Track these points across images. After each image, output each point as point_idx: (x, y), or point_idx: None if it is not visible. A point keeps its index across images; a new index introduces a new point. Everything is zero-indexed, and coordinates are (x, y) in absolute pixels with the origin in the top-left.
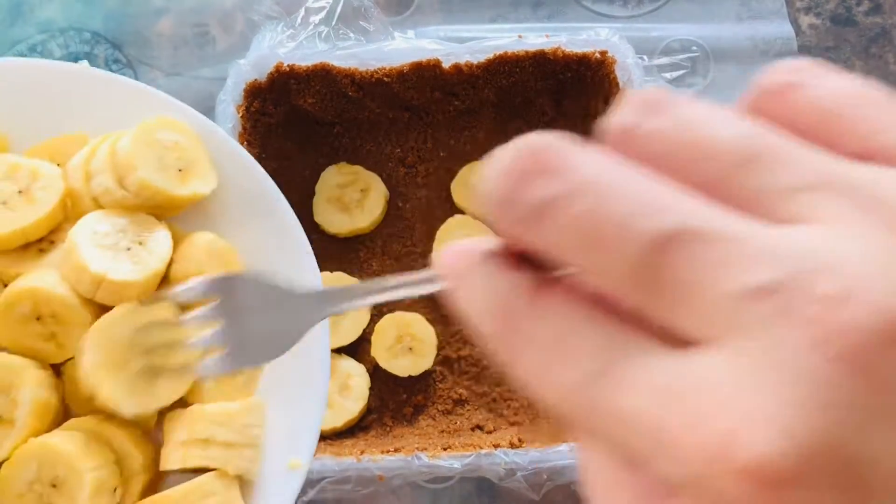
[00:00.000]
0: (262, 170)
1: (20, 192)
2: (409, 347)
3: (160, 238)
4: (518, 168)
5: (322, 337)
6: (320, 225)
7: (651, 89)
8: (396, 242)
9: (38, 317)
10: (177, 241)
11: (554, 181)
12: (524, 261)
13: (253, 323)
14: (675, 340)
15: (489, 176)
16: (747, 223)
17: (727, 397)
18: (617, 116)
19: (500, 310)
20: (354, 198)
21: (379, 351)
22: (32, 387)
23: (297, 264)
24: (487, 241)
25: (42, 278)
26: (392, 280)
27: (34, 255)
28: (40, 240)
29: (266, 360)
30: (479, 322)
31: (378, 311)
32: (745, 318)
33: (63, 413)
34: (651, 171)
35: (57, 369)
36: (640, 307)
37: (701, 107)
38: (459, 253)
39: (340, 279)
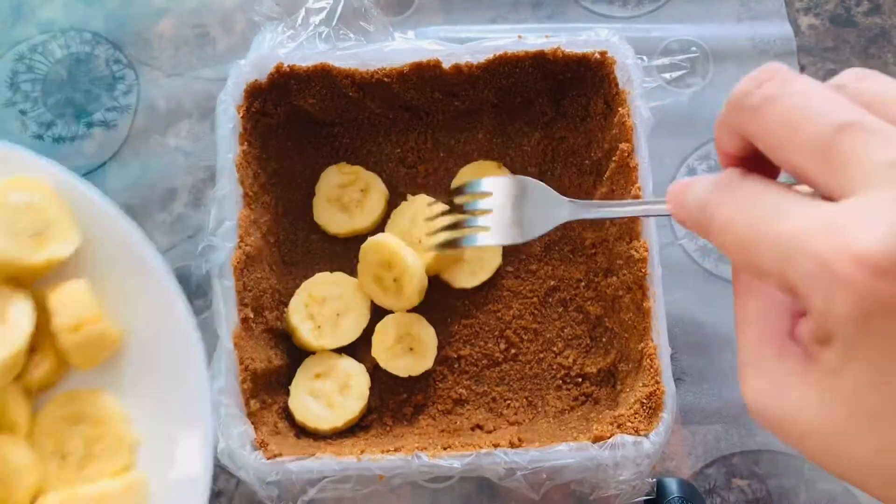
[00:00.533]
0: (127, 220)
1: None
2: (409, 347)
3: (19, 311)
4: (757, 76)
5: (203, 416)
6: (321, 225)
7: (858, 69)
8: None
9: None
10: (51, 291)
11: (780, 85)
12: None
13: (513, 212)
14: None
15: (737, 86)
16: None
17: (857, 219)
18: (834, 80)
19: (711, 184)
20: (354, 198)
21: (379, 351)
22: None
23: (166, 309)
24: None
25: None
26: (632, 202)
27: None
28: None
29: (520, 240)
30: (693, 199)
31: (378, 312)
32: (882, 178)
33: None
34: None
35: None
36: (815, 174)
37: (887, 78)
38: (685, 180)
39: (341, 279)
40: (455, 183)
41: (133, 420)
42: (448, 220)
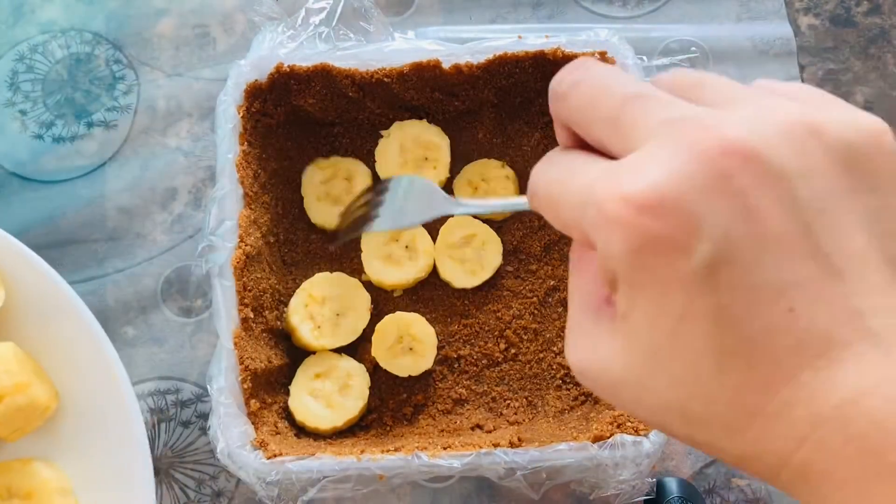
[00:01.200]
0: (53, 273)
1: None
2: (409, 347)
3: None
4: (568, 67)
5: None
6: (318, 225)
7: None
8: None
9: None
10: None
11: (585, 71)
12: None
13: (401, 204)
14: None
15: (555, 76)
16: (680, 99)
17: (631, 168)
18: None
19: (543, 159)
20: (342, 188)
21: (379, 351)
22: None
23: (97, 358)
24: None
25: None
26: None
27: None
28: None
29: (408, 225)
30: (532, 174)
31: (378, 312)
32: (657, 134)
33: None
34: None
35: None
36: (609, 141)
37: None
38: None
39: (341, 279)
40: (460, 178)
41: (72, 490)
42: (359, 209)
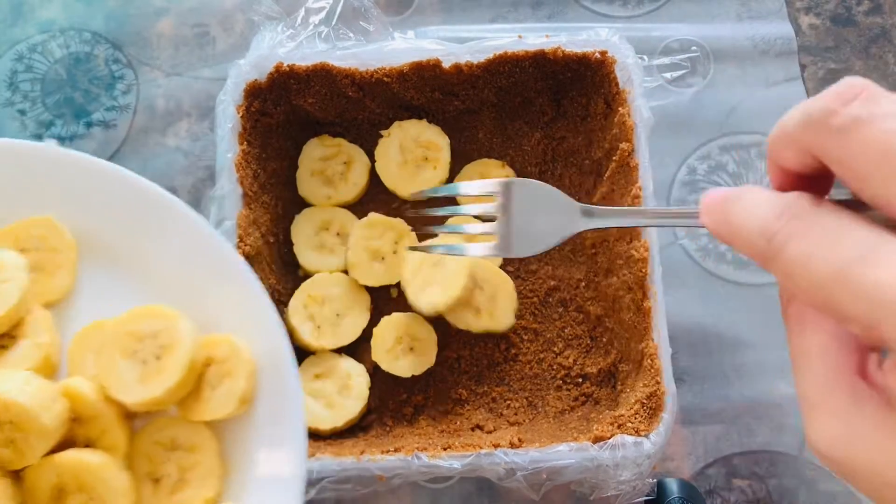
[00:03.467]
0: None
1: None
2: (409, 347)
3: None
4: (842, 93)
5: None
6: (305, 198)
7: None
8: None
9: None
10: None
11: (870, 106)
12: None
13: (523, 221)
14: None
15: (813, 100)
16: None
17: None
18: None
19: (777, 209)
20: (338, 170)
21: (379, 354)
22: None
23: (261, 323)
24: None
25: (1, 383)
26: (656, 210)
27: None
28: (1, 335)
29: (529, 253)
30: (753, 224)
31: (376, 312)
32: None
33: None
34: None
35: (16, 475)
36: None
37: None
38: (723, 189)
39: (341, 280)
40: (460, 178)
41: (224, 450)
42: (450, 223)
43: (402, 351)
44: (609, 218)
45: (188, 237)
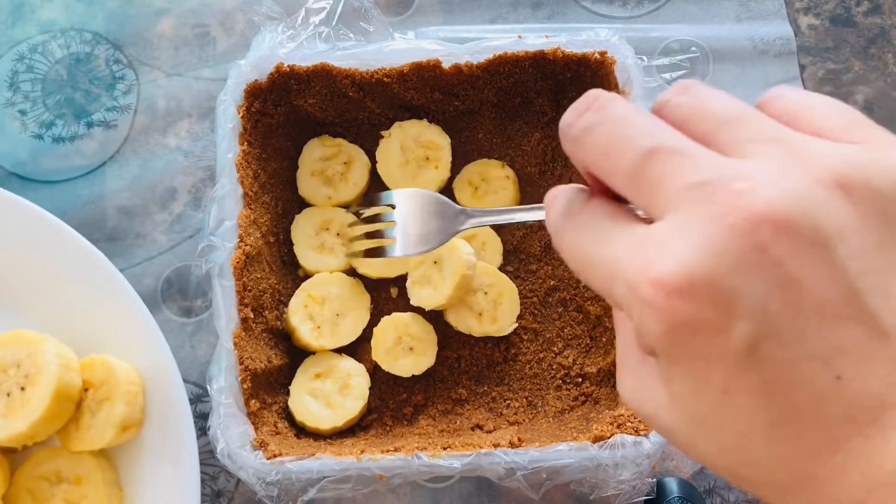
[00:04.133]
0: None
1: None
2: (409, 347)
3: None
4: (579, 107)
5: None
6: (305, 198)
7: (685, 80)
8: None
9: None
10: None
11: (597, 114)
12: (593, 191)
13: (415, 225)
14: (648, 222)
15: (564, 115)
16: (709, 152)
17: (658, 243)
18: (661, 95)
19: (564, 208)
20: (338, 171)
21: (379, 354)
22: None
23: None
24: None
25: None
26: (513, 207)
27: None
28: None
29: (423, 251)
30: (552, 218)
31: (376, 312)
32: (683, 201)
33: None
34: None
35: None
36: (632, 198)
37: (714, 91)
38: (557, 188)
39: (341, 279)
40: (460, 178)
41: (117, 481)
42: (364, 229)
43: (403, 351)
44: (484, 217)
45: (69, 257)
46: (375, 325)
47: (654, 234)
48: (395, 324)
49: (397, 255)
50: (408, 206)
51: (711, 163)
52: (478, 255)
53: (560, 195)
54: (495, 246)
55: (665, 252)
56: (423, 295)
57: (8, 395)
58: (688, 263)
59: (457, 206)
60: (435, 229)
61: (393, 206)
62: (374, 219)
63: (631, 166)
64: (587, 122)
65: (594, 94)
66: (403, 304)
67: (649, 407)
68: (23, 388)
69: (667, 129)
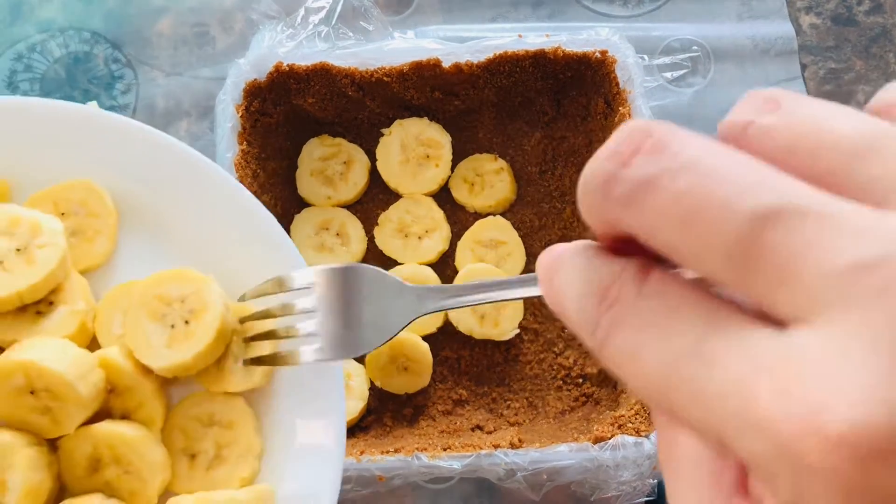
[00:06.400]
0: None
1: (18, 249)
2: (403, 367)
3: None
4: (622, 150)
5: (338, 420)
6: (304, 198)
7: (769, 89)
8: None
9: (32, 391)
10: None
11: (657, 160)
12: (617, 253)
13: (353, 313)
14: (769, 320)
15: (592, 160)
16: (851, 204)
17: (820, 369)
18: (732, 114)
19: (597, 291)
20: (338, 170)
21: (374, 371)
22: (24, 470)
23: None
24: (583, 242)
25: (37, 351)
26: (492, 281)
27: (31, 319)
28: (38, 301)
29: (363, 351)
30: (574, 307)
31: None
32: (843, 294)
33: (58, 492)
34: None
35: (53, 444)
36: (736, 287)
37: (817, 102)
38: (556, 250)
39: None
40: (455, 176)
41: (262, 427)
42: (265, 327)
43: (397, 370)
44: (447, 299)
45: (225, 202)
46: None
47: (803, 353)
48: (389, 345)
49: (318, 358)
50: (330, 288)
51: (870, 225)
52: (500, 265)
53: (570, 259)
54: (518, 257)
55: (840, 388)
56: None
57: (172, 326)
58: (889, 406)
59: (405, 283)
60: (375, 319)
61: (305, 289)
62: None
63: (735, 241)
64: (643, 173)
65: (642, 129)
66: None
67: None
68: (187, 322)
69: (780, 177)
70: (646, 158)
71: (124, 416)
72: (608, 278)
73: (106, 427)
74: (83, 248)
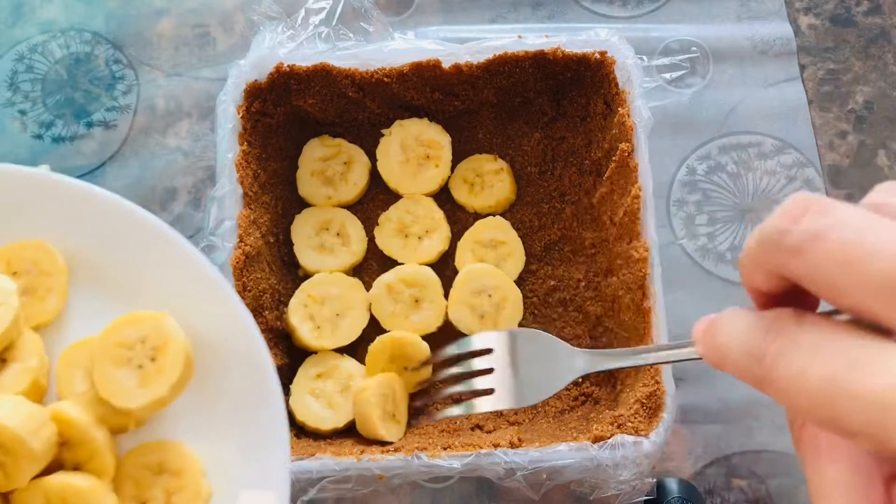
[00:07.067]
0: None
1: None
2: (403, 367)
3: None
4: (793, 211)
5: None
6: (305, 198)
7: (889, 184)
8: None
9: None
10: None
11: (823, 217)
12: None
13: (521, 371)
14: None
15: (763, 224)
16: None
17: None
18: (868, 200)
19: (762, 328)
20: (338, 171)
21: (374, 371)
22: None
23: (241, 331)
24: (734, 307)
25: None
26: (654, 347)
27: None
28: None
29: (532, 402)
30: (739, 349)
31: (373, 318)
32: None
33: None
34: None
35: (6, 497)
36: (887, 315)
37: None
38: (710, 317)
39: (341, 280)
40: (454, 176)
41: (207, 472)
42: (458, 388)
43: (397, 369)
44: (611, 360)
45: (165, 252)
46: (375, 324)
47: None
48: (390, 344)
49: (497, 408)
50: (505, 349)
51: None
52: (500, 265)
53: (729, 318)
54: (518, 257)
55: None
56: (419, 318)
57: (140, 366)
58: None
59: (571, 347)
60: (542, 376)
61: (486, 351)
62: (466, 363)
63: (886, 275)
64: (815, 227)
65: (806, 198)
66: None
67: None
68: (153, 359)
69: None
70: (815, 217)
71: (76, 468)
72: (771, 316)
73: (59, 479)
74: (35, 306)
